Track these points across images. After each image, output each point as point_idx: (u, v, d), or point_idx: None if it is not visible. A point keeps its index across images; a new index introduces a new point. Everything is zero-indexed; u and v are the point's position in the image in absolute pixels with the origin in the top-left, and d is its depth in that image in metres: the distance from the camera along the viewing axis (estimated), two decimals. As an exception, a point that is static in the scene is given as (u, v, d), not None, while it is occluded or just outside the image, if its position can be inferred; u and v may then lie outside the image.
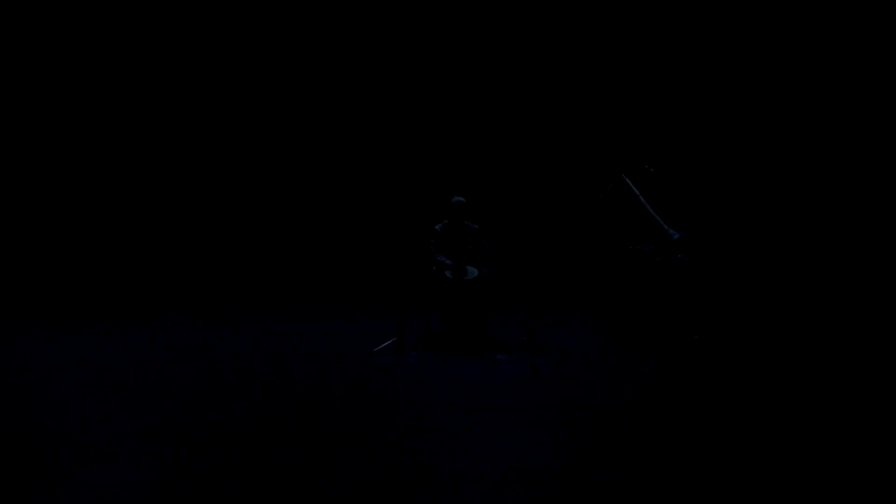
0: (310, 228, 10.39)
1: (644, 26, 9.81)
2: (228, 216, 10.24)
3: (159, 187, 9.91)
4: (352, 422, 4.28)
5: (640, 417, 4.40)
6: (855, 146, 9.13)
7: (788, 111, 9.40)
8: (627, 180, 6.38)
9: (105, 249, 9.70)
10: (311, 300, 8.77)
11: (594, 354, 5.93)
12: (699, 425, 4.27)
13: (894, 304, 7.74)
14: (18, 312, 7.47)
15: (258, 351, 6.02)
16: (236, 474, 3.59)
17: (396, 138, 10.30)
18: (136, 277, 9.63)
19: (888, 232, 8.65)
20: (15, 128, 9.30)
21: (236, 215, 10.26)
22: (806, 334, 6.72)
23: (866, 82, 9.03)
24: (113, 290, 9.08)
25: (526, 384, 5.11)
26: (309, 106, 10.12)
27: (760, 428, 4.19)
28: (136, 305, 8.26)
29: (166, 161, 9.93)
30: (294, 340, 6.44)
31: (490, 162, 10.29)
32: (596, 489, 3.46)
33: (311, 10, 9.75)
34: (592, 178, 7.14)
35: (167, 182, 9.92)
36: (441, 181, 9.51)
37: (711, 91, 9.77)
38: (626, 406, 4.60)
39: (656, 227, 5.90)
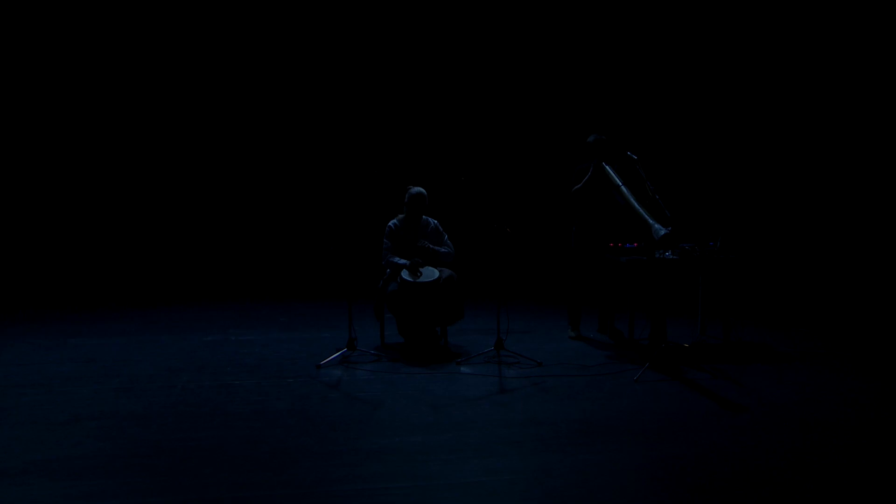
0: (250, 225, 10.24)
1: (620, 5, 9.86)
2: (158, 212, 10.08)
3: (91, 185, 9.86)
4: (294, 448, 4.09)
5: (622, 437, 4.30)
6: (853, 139, 9.29)
7: (786, 98, 9.51)
8: (608, 168, 6.30)
9: (21, 247, 9.53)
10: (248, 305, 8.60)
11: (571, 365, 5.82)
12: (692, 446, 4.19)
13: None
14: None
15: (188, 366, 5.80)
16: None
17: (343, 124, 10.19)
18: (47, 277, 9.38)
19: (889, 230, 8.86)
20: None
21: (167, 211, 10.10)
22: (814, 345, 6.73)
23: (858, 71, 9.22)
24: (21, 289, 8.80)
25: (494, 400, 4.97)
26: (248, 102, 10.09)
27: (757, 447, 4.14)
28: (39, 308, 7.97)
29: (94, 160, 9.86)
30: (230, 353, 6.26)
31: (449, 148, 10.23)
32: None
33: (259, 12, 9.86)
34: (567, 166, 7.07)
35: (101, 180, 9.89)
36: (395, 171, 9.42)
37: (700, 68, 9.84)
38: (605, 425, 4.50)
39: (641, 221, 5.82)
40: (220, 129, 10.10)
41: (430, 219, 6.54)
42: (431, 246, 6.39)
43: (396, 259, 6.29)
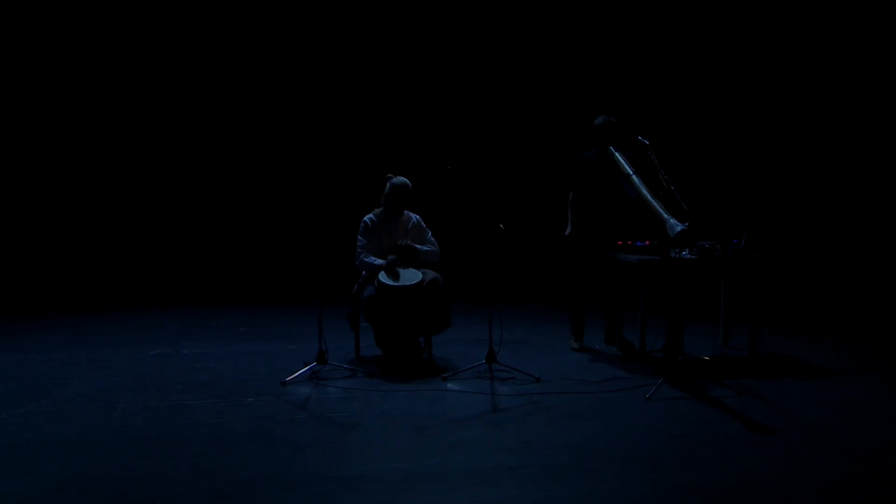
0: (205, 221, 10.19)
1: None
2: (97, 205, 10.05)
3: (24, 178, 9.93)
4: (256, 478, 4.03)
5: (633, 464, 4.28)
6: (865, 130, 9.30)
7: (826, 77, 9.52)
8: (617, 154, 6.28)
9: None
10: (202, 312, 8.55)
11: (573, 381, 5.80)
12: (714, 475, 4.16)
13: None
14: None
15: (131, 384, 5.74)
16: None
17: (311, 108, 10.16)
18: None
19: None
20: None
21: (107, 204, 10.07)
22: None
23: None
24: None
25: (485, 421, 4.94)
26: (205, 91, 10.15)
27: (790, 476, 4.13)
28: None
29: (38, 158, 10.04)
30: (180, 368, 6.21)
31: (433, 132, 10.20)
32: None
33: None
34: (570, 153, 7.05)
35: (34, 173, 9.97)
36: (371, 159, 9.39)
37: (720, 42, 9.84)
38: (613, 449, 4.47)
39: (654, 215, 5.80)
40: (174, 118, 10.11)
41: (411, 213, 6.51)
42: (414, 245, 6.35)
43: (372, 259, 6.25)
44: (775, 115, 9.63)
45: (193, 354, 6.69)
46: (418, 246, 6.38)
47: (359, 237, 6.38)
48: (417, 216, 6.55)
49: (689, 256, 6.15)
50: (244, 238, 10.25)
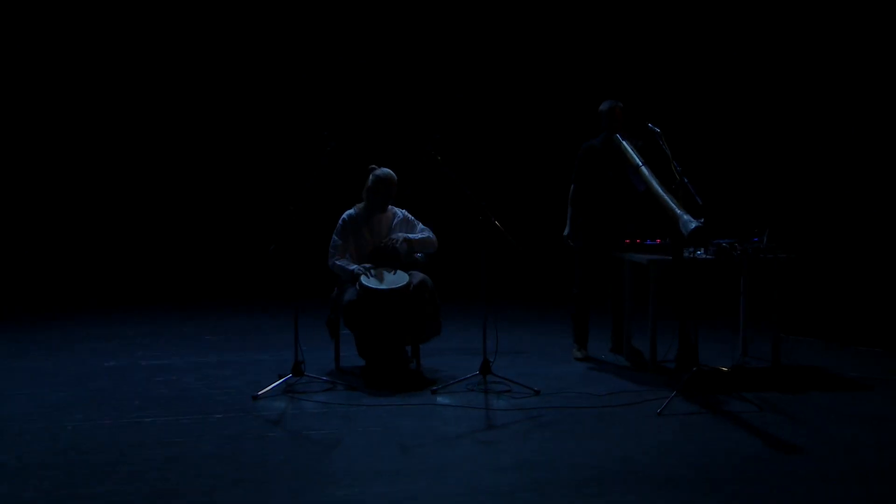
0: (167, 216, 10.19)
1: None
2: (46, 197, 10.04)
3: None
4: None
5: (642, 487, 4.26)
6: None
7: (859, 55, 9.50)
8: (625, 143, 6.28)
9: None
10: (164, 319, 8.53)
11: (576, 394, 5.81)
12: (733, 499, 4.16)
13: None
14: None
15: (82, 400, 5.72)
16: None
17: (286, 91, 10.18)
18: None
19: None
20: None
21: (58, 195, 10.06)
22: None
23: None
24: None
25: (478, 438, 4.96)
26: (169, 77, 10.20)
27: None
28: None
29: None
30: (139, 382, 6.20)
31: (418, 117, 10.20)
32: None
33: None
34: (573, 141, 7.04)
35: None
36: (350, 148, 9.40)
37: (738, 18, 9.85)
38: (620, 470, 4.46)
39: (666, 210, 5.80)
40: (137, 106, 10.13)
41: (396, 209, 6.51)
42: (409, 235, 6.34)
43: (345, 263, 6.24)
44: (799, 96, 9.56)
45: (153, 366, 6.67)
46: (412, 235, 6.37)
47: (334, 236, 6.37)
48: (403, 211, 6.53)
49: (704, 256, 6.13)
50: (211, 236, 10.21)
